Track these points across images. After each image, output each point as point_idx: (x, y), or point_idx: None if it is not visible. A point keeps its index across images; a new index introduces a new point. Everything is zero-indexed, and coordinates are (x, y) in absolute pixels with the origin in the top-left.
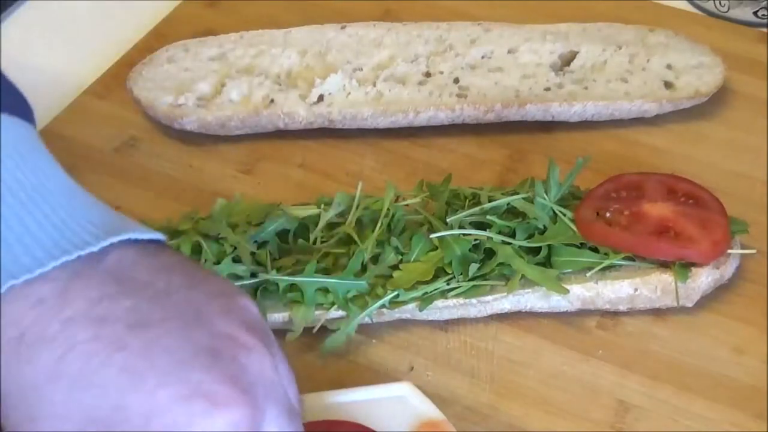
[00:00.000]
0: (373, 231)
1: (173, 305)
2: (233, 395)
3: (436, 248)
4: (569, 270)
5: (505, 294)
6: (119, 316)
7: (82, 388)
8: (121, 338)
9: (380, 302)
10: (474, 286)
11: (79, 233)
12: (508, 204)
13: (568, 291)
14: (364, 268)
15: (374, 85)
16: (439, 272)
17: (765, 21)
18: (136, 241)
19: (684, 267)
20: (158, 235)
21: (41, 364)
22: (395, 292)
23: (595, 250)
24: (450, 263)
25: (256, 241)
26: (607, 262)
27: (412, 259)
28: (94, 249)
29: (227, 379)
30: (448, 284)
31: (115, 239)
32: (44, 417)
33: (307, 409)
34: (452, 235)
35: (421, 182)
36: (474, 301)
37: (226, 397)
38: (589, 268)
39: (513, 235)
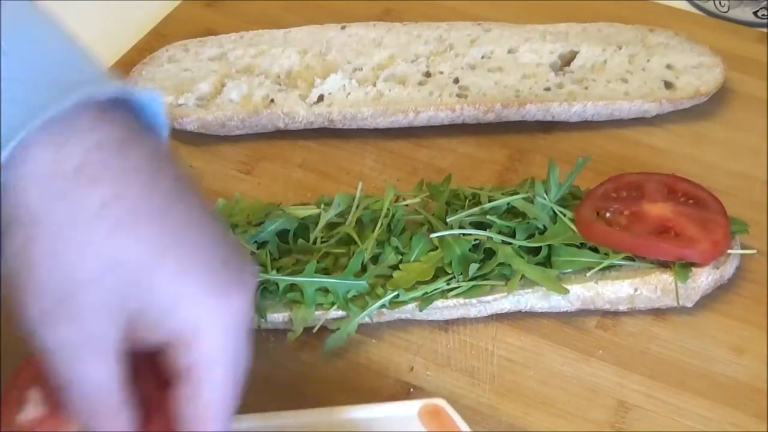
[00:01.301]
0: (373, 231)
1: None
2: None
3: (436, 248)
4: (569, 270)
5: (505, 294)
6: (168, 178)
7: (125, 232)
8: (168, 198)
9: (380, 302)
10: (474, 286)
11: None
12: (508, 204)
13: (568, 291)
14: (364, 268)
15: (374, 85)
16: (439, 272)
17: (765, 21)
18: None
19: (684, 267)
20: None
21: (92, 200)
22: (395, 292)
23: (595, 250)
24: (450, 263)
25: (256, 241)
26: (607, 262)
27: (412, 259)
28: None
29: (237, 282)
30: (448, 284)
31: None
32: (75, 251)
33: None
34: (452, 234)
35: (420, 182)
36: (474, 301)
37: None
38: (589, 268)
39: (513, 235)
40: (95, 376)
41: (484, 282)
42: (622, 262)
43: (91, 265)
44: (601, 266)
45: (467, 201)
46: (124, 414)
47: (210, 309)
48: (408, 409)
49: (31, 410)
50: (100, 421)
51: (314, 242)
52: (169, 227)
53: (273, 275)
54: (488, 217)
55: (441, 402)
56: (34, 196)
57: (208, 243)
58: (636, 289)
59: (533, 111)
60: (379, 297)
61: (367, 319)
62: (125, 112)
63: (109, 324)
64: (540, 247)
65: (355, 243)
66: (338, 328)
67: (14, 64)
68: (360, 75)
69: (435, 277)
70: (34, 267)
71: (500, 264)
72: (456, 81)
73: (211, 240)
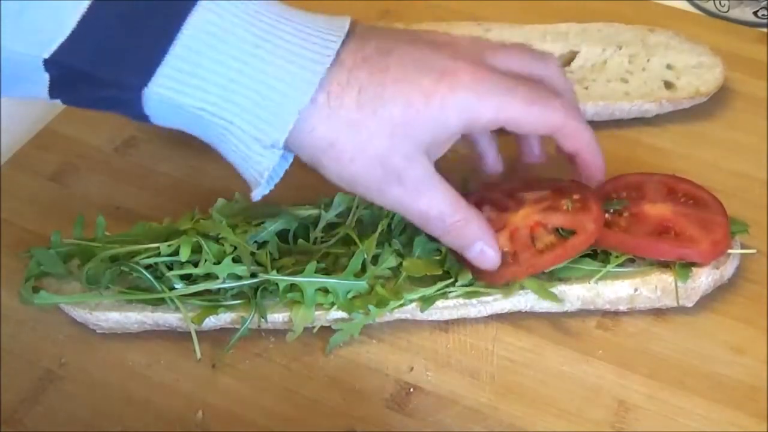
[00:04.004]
0: (373, 231)
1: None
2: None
3: (437, 249)
4: (569, 276)
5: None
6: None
7: (419, 100)
8: (421, 52)
9: (391, 306)
10: (473, 291)
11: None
12: None
13: (561, 300)
14: (364, 269)
15: None
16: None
17: (765, 21)
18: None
19: (684, 267)
20: None
21: (384, 74)
22: (410, 296)
23: (594, 251)
24: (452, 267)
25: (256, 241)
26: (605, 270)
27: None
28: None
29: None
30: (448, 288)
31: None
32: (386, 124)
33: None
34: None
35: None
36: (474, 301)
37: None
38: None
39: None
40: (437, 203)
41: (483, 289)
42: (621, 269)
43: (405, 143)
44: (601, 274)
45: None
46: (476, 218)
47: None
48: None
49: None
50: (461, 230)
51: (314, 242)
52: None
53: (273, 275)
54: None
55: None
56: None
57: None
58: (636, 289)
59: None
60: (380, 297)
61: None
62: None
63: (422, 163)
64: None
65: (355, 243)
66: (341, 329)
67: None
68: None
69: (436, 281)
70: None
71: None
72: None
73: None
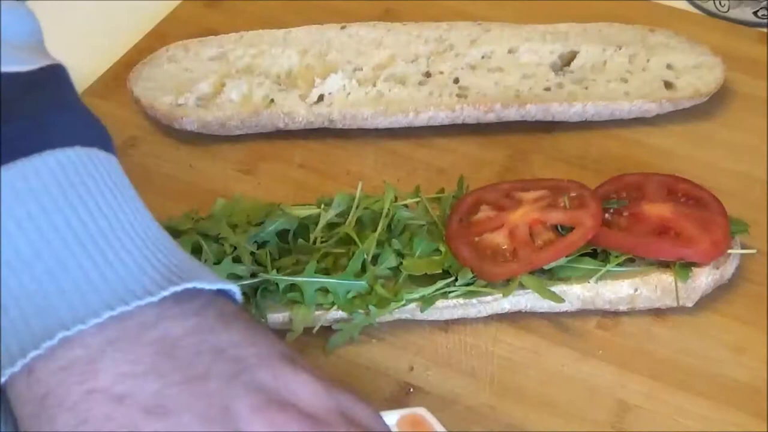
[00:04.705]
0: (373, 231)
1: (204, 395)
2: None
3: (437, 249)
4: (569, 275)
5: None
6: (140, 398)
7: None
8: (134, 422)
9: (392, 306)
10: (472, 291)
11: (141, 281)
12: None
13: (563, 300)
14: (364, 269)
15: (374, 85)
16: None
17: (765, 21)
18: (203, 292)
19: (684, 267)
20: (228, 285)
21: (57, 428)
22: (411, 295)
23: (594, 251)
24: (451, 266)
25: (256, 241)
26: (605, 270)
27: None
28: (154, 299)
29: None
30: (448, 287)
31: (176, 288)
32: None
33: None
34: None
35: (417, 187)
36: (474, 301)
37: None
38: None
39: None
40: None
41: (482, 289)
42: (621, 269)
43: None
44: (600, 273)
45: None
46: None
47: None
48: (387, 420)
49: None
50: None
51: (314, 242)
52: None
53: (273, 275)
54: None
55: (421, 411)
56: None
57: None
58: (636, 289)
59: (533, 111)
60: (379, 297)
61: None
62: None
63: None
64: None
65: (355, 243)
66: (341, 329)
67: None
68: (360, 75)
69: (435, 280)
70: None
71: None
72: (456, 81)
73: None
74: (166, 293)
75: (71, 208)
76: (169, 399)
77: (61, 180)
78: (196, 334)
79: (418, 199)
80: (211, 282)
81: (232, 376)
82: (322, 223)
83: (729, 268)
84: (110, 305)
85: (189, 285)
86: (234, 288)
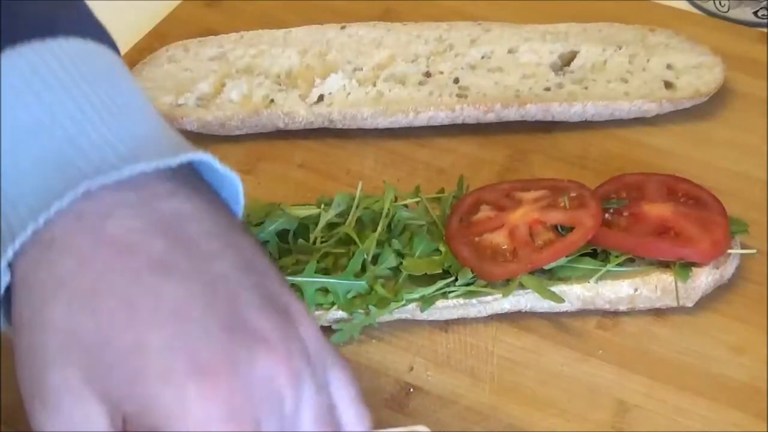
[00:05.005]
0: (373, 231)
1: (208, 272)
2: (219, 386)
3: (437, 249)
4: (569, 275)
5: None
6: (147, 253)
7: (79, 306)
8: (136, 273)
9: (392, 306)
10: (472, 291)
11: (160, 146)
12: None
13: (563, 300)
14: (364, 269)
15: (374, 85)
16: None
17: (765, 21)
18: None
19: (684, 267)
20: (233, 175)
21: (56, 271)
22: (412, 294)
23: (594, 251)
24: (451, 266)
25: None
26: (605, 270)
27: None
28: (173, 161)
29: (223, 361)
30: (448, 287)
31: (194, 157)
32: (40, 323)
33: None
34: None
35: (417, 187)
36: (474, 301)
37: (212, 375)
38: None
39: None
40: None
41: (482, 289)
42: (621, 269)
43: (53, 341)
44: (600, 273)
45: None
46: None
47: (185, 394)
48: None
49: None
50: None
51: (314, 242)
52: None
53: None
54: None
55: (422, 429)
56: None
57: (219, 307)
58: (636, 289)
59: (533, 111)
60: (379, 297)
61: None
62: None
63: (88, 410)
64: None
65: (355, 243)
66: (341, 329)
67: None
68: (360, 75)
69: (435, 280)
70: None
71: None
72: (456, 81)
73: (225, 300)
74: (185, 158)
75: (88, 84)
76: (177, 261)
77: (78, 62)
78: (206, 214)
79: (418, 199)
80: (223, 167)
81: (242, 267)
82: (322, 223)
83: (729, 268)
84: (130, 162)
85: (205, 157)
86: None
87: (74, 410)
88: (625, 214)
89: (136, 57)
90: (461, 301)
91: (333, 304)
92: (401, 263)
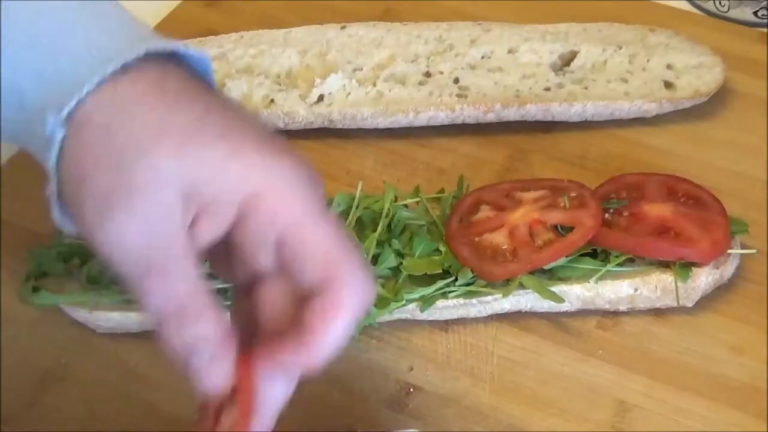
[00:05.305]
0: (373, 231)
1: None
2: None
3: (437, 249)
4: (569, 275)
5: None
6: (204, 100)
7: (184, 144)
8: (207, 105)
9: (392, 306)
10: (472, 291)
11: (157, 39)
12: None
13: (563, 300)
14: None
15: (374, 85)
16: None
17: (765, 21)
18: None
19: (684, 267)
20: (203, 56)
21: (148, 120)
22: (412, 294)
23: (594, 251)
24: (451, 266)
25: None
26: (605, 270)
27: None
28: (180, 49)
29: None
30: (448, 287)
31: (186, 51)
32: (144, 181)
33: None
34: None
35: (417, 187)
36: (474, 301)
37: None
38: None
39: None
40: (168, 266)
41: (482, 289)
42: (621, 269)
43: (143, 135)
44: (600, 273)
45: None
46: (211, 314)
47: (266, 168)
48: None
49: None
50: (184, 320)
51: None
52: (220, 125)
53: None
54: None
55: None
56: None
57: (263, 135)
58: (636, 289)
59: (533, 111)
60: (379, 297)
61: None
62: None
63: (168, 207)
64: None
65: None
66: None
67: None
68: (360, 75)
69: (435, 280)
70: (86, 154)
71: None
72: (456, 81)
73: (269, 138)
74: (183, 48)
75: None
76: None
77: None
78: (206, 94)
79: (418, 199)
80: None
81: (251, 118)
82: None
83: (729, 268)
84: (149, 43)
85: (196, 53)
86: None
87: (159, 197)
88: (625, 214)
89: None
90: (461, 301)
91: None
92: (401, 263)
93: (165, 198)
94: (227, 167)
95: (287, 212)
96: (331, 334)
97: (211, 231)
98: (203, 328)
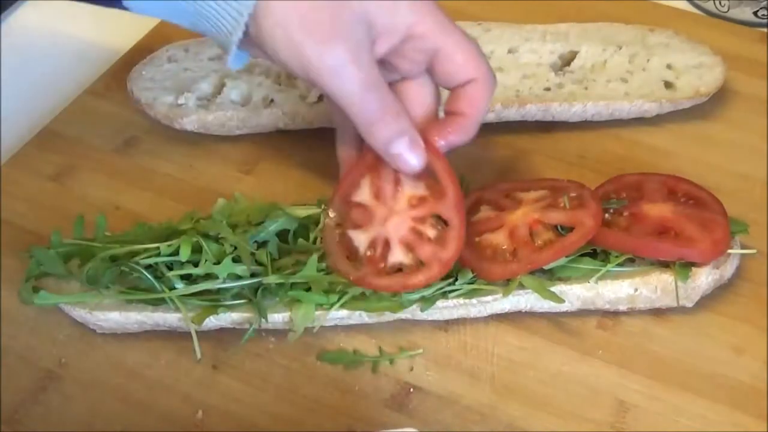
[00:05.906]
0: None
1: None
2: None
3: None
4: (569, 275)
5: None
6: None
7: None
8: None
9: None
10: (473, 290)
11: None
12: None
13: (563, 300)
14: None
15: None
16: None
17: (765, 21)
18: None
19: (684, 267)
20: None
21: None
22: (412, 294)
23: (594, 251)
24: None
25: (256, 241)
26: (605, 270)
27: None
28: None
29: None
30: (449, 287)
31: None
32: (350, 20)
33: None
34: None
35: None
36: (474, 301)
37: None
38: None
39: None
40: (368, 78)
41: (483, 287)
42: (621, 269)
43: None
44: (601, 273)
45: None
46: (405, 113)
47: (421, 6)
48: None
49: (363, 193)
50: (385, 119)
51: (314, 242)
52: None
53: (272, 278)
54: None
55: (411, 431)
56: None
57: None
58: (636, 289)
59: (533, 111)
60: (379, 297)
61: (367, 319)
62: None
63: (364, 36)
64: None
65: None
66: (340, 344)
67: None
68: None
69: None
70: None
71: None
72: None
73: None
74: None
75: None
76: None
77: None
78: None
79: None
80: None
81: None
82: (322, 223)
83: (729, 268)
84: None
85: None
86: None
87: (360, 38)
88: (625, 214)
89: (136, 57)
90: (461, 301)
91: (333, 304)
92: None
93: (362, 34)
94: (397, 7)
95: (437, 39)
96: (480, 114)
97: (379, 52)
98: (404, 122)
